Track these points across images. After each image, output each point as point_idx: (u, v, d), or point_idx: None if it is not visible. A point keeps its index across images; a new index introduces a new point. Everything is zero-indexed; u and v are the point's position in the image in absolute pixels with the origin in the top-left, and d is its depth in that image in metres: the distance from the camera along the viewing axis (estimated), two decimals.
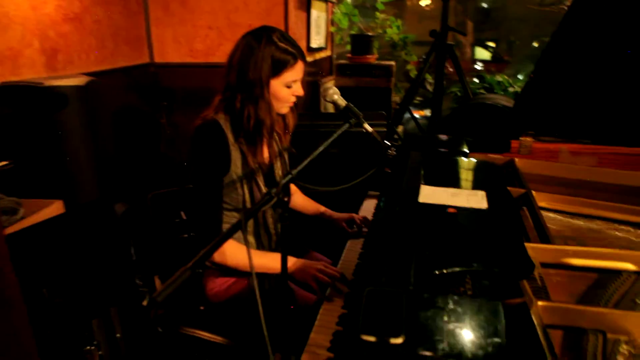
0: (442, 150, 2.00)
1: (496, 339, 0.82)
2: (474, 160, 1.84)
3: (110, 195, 2.08)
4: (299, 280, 1.39)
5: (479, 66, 6.21)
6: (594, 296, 1.10)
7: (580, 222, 1.46)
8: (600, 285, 1.14)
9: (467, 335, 0.84)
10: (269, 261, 1.42)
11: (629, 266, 1.17)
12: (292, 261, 1.41)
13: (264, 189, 1.48)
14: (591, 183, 1.75)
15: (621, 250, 1.20)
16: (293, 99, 1.47)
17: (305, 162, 1.16)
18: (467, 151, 1.92)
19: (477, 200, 1.40)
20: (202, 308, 1.55)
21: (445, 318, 0.87)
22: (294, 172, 1.10)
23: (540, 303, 0.97)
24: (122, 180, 2.19)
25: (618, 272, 1.16)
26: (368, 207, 1.98)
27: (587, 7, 1.10)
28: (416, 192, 1.44)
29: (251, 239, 1.52)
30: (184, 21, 2.57)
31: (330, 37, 3.46)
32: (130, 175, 2.32)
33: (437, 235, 1.24)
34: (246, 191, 1.45)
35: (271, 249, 1.58)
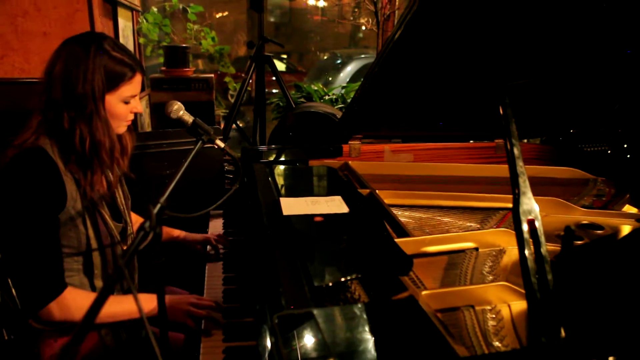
0: (284, 160, 2.02)
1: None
2: (316, 167, 1.91)
3: None
4: (170, 319, 1.23)
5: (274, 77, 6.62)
6: (454, 276, 1.24)
7: (419, 214, 1.63)
8: (452, 267, 1.29)
9: (369, 339, 0.84)
10: (130, 305, 1.21)
11: (470, 244, 1.37)
12: (155, 301, 1.23)
13: (111, 223, 1.27)
14: (412, 176, 2.00)
15: (462, 232, 1.40)
16: (131, 117, 1.31)
17: (170, 188, 1.04)
18: (307, 159, 1.98)
19: (337, 205, 1.45)
20: None
21: (354, 328, 0.86)
22: (162, 200, 0.96)
23: (423, 293, 1.05)
24: None
25: (462, 251, 1.35)
26: (215, 227, 1.89)
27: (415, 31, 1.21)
28: (277, 206, 1.42)
29: (99, 283, 1.28)
30: None
31: (138, 49, 3.18)
32: None
33: (313, 246, 1.23)
34: (89, 227, 1.22)
35: (124, 291, 1.36)
